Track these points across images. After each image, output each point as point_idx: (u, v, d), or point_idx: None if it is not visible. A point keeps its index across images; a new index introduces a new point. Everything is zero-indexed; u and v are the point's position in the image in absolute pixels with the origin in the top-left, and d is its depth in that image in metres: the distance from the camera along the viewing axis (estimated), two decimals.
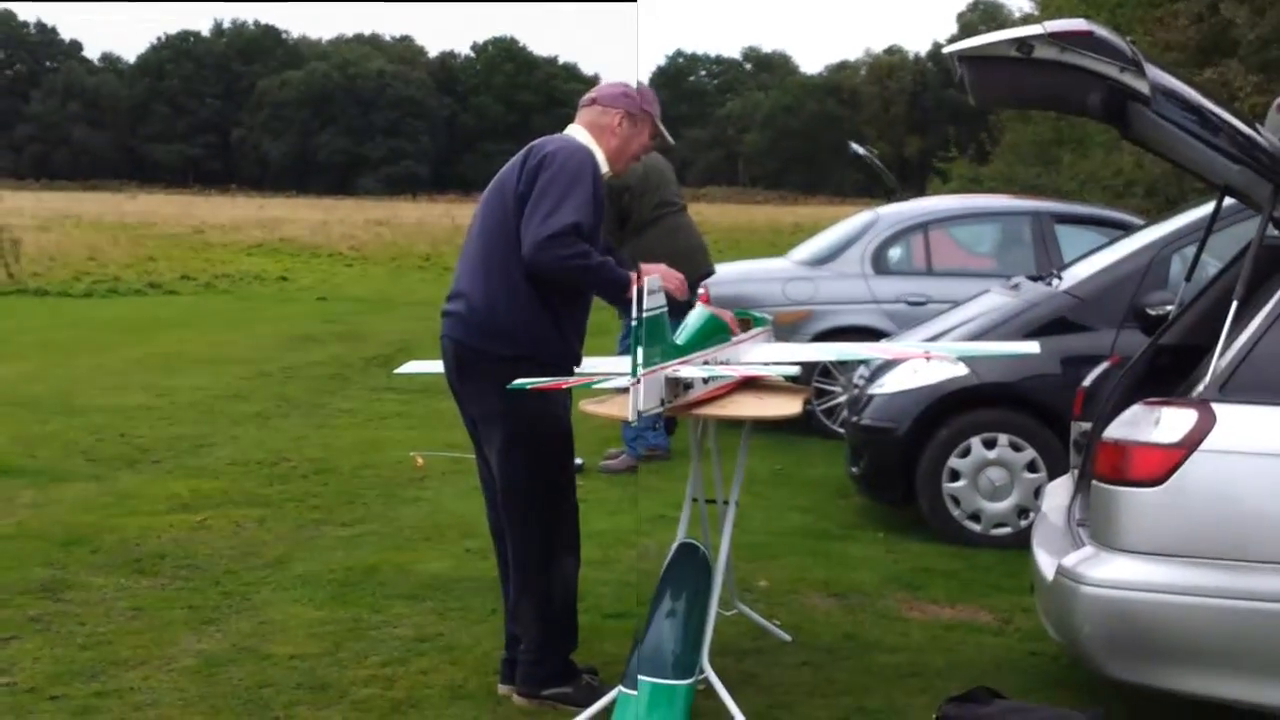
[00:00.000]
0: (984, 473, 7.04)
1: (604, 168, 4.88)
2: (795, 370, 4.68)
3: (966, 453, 7.06)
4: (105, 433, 9.70)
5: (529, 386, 4.39)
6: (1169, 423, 4.14)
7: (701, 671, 4.55)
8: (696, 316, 4.75)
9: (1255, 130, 4.42)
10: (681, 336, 4.54)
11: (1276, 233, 5.01)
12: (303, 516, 7.44)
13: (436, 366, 5.06)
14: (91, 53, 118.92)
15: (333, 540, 6.96)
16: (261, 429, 10.07)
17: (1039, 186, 23.03)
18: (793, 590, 6.21)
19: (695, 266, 8.71)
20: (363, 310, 20.68)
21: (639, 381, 4.02)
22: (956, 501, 7.08)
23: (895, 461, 7.19)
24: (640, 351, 4.04)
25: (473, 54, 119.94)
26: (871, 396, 7.38)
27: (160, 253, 29.84)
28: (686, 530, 5.02)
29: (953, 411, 7.10)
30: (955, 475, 7.07)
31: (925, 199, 11.74)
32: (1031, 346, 5.30)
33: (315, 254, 33.41)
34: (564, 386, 4.46)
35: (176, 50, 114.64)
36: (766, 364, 4.84)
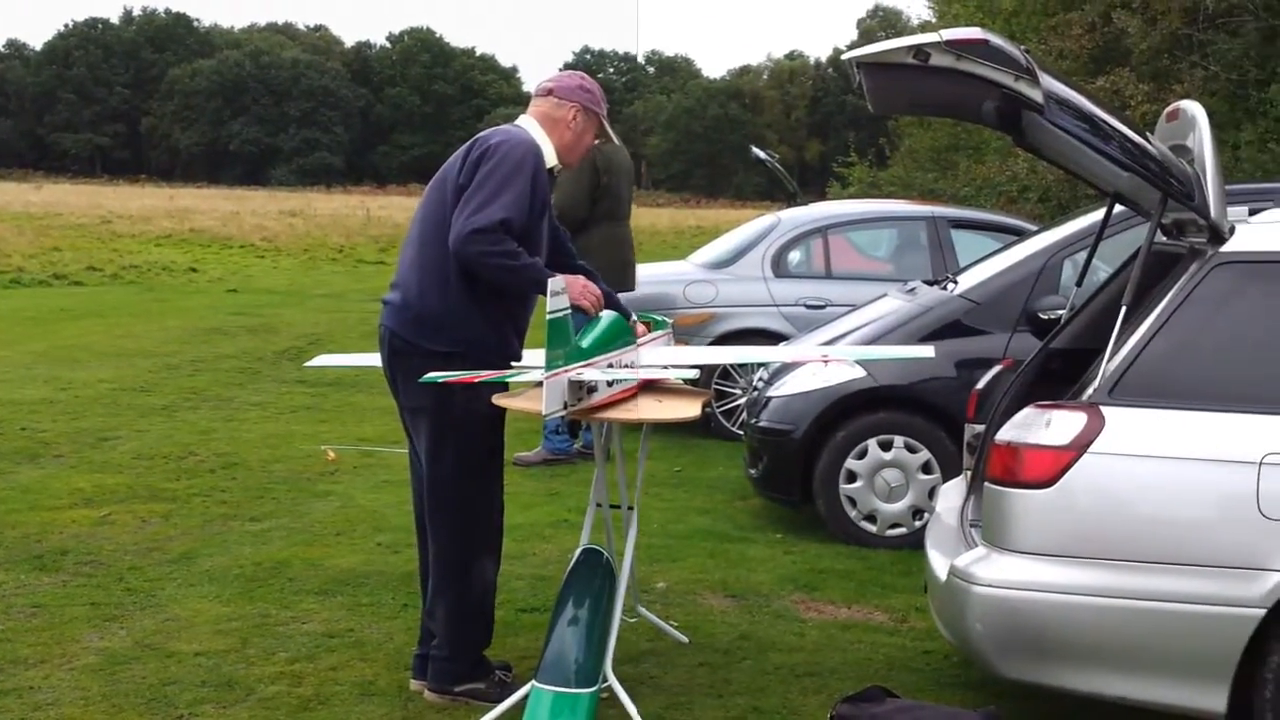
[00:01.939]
0: (880, 474, 7.12)
1: (551, 161, 4.84)
2: (694, 373, 4.70)
3: (863, 454, 7.13)
4: (5, 426, 9.49)
5: (440, 380, 4.38)
6: (1059, 425, 4.22)
7: (604, 679, 4.54)
8: (606, 320, 4.75)
9: (1145, 139, 4.51)
10: (586, 339, 4.52)
11: (1164, 239, 5.13)
12: (210, 511, 7.34)
13: (347, 360, 5.05)
14: None
15: (241, 535, 6.87)
16: (168, 422, 9.90)
17: (936, 191, 23.35)
18: (690, 591, 6.23)
19: (625, 282, 8.86)
20: (274, 302, 20.47)
21: (541, 384, 4.06)
22: (853, 502, 7.15)
23: (793, 463, 7.24)
24: (544, 354, 4.08)
25: (389, 44, 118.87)
26: (770, 399, 7.43)
27: (66, 243, 29.16)
28: (590, 536, 5.02)
29: (850, 414, 7.17)
30: (852, 477, 7.14)
31: (825, 204, 11.85)
32: (926, 350, 5.37)
33: (226, 245, 32.96)
34: (476, 381, 4.41)
35: (84, 37, 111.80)
36: (666, 367, 4.85)
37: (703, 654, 5.38)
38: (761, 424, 7.41)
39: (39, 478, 7.99)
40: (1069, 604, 4.15)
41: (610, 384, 4.50)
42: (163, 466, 8.44)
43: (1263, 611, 3.99)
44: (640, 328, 5.18)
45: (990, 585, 4.24)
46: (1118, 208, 5.44)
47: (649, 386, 4.95)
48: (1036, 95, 4.23)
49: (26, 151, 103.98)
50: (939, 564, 4.64)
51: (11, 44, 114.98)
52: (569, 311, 4.27)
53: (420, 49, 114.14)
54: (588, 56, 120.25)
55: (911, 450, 7.09)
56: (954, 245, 9.92)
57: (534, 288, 4.61)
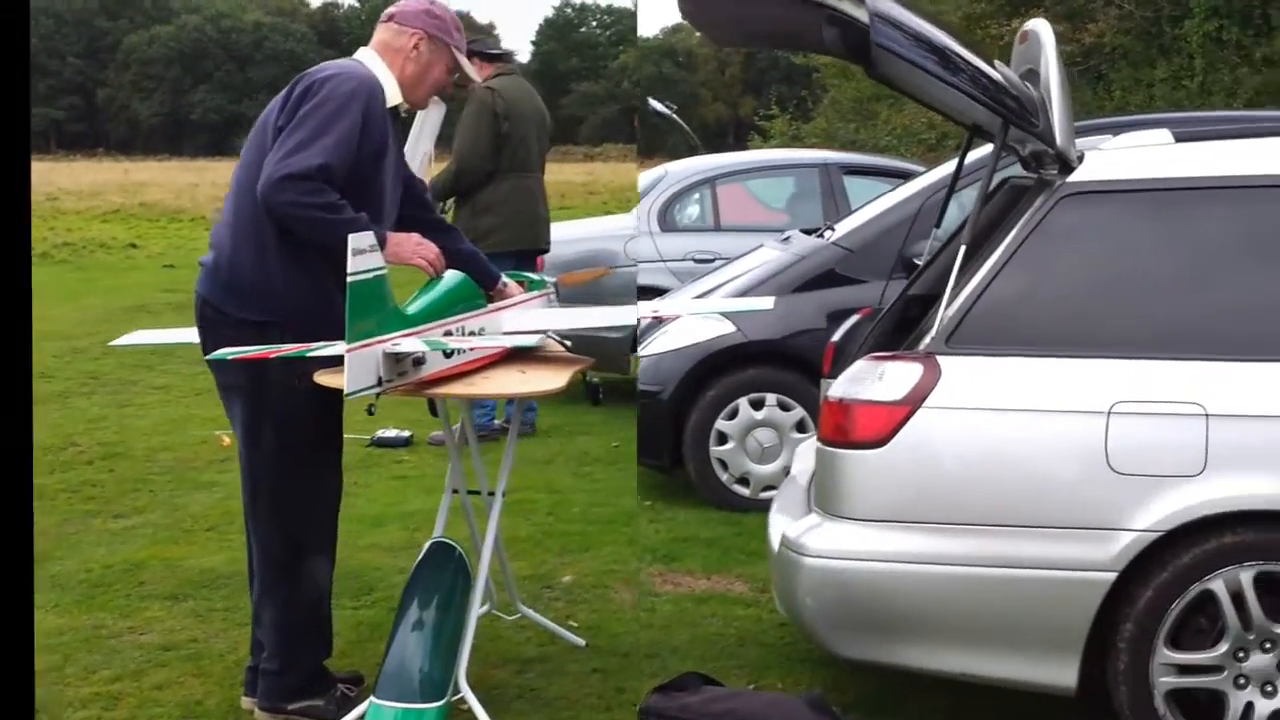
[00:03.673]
0: (752, 434, 6.74)
1: (394, 99, 4.20)
2: (534, 341, 4.18)
3: (734, 414, 6.75)
4: None
5: (230, 358, 3.87)
6: (892, 378, 3.83)
7: (457, 691, 4.03)
8: (444, 281, 4.24)
9: (987, 63, 4.10)
10: (414, 304, 4.03)
11: (1024, 173, 4.75)
12: (73, 509, 6.81)
13: (163, 336, 4.48)
14: None
15: (100, 535, 6.34)
16: (58, 411, 9.29)
17: (857, 142, 22.97)
18: (600, 585, 5.65)
19: (538, 239, 8.30)
20: None
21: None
22: (724, 465, 6.76)
23: (662, 426, 6.84)
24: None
25: (357, 3, 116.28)
26: (639, 359, 7.02)
27: None
28: (445, 528, 4.46)
29: (719, 372, 6.77)
30: (723, 438, 6.75)
31: (714, 155, 11.42)
32: (765, 302, 4.98)
33: (176, 218, 31.32)
34: (270, 357, 3.86)
35: (35, 7, 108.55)
36: (507, 335, 4.32)
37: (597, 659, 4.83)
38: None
39: None
40: (905, 574, 3.78)
41: (449, 354, 3.97)
42: (37, 460, 7.83)
43: (1114, 575, 3.65)
44: (513, 287, 4.67)
45: (821, 556, 3.86)
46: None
47: (523, 353, 4.36)
48: (861, 15, 3.80)
49: None
50: (775, 533, 4.23)
51: None
52: (380, 273, 3.70)
53: (389, 5, 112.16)
54: (568, 10, 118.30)
55: (785, 408, 6.70)
56: (847, 192, 9.51)
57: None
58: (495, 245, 7.79)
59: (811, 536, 3.90)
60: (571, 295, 9.24)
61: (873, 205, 7.16)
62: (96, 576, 5.71)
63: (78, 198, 37.68)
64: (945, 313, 3.86)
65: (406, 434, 8.20)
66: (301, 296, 4.04)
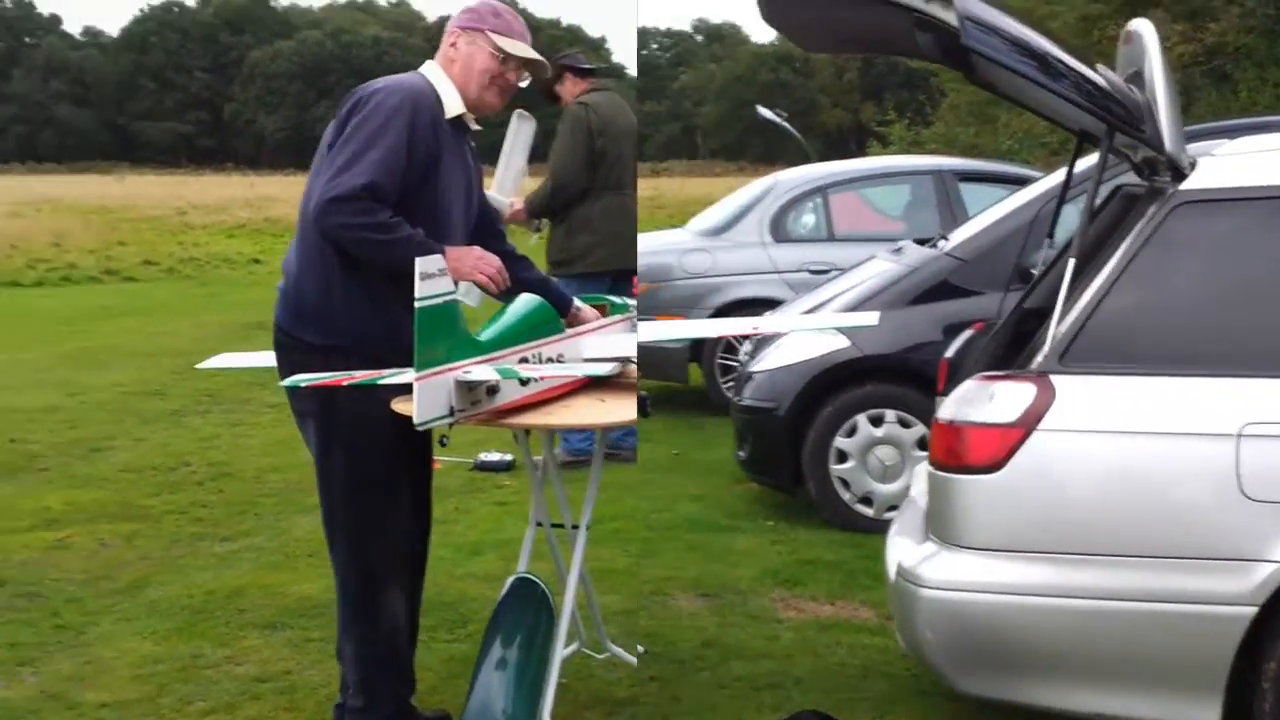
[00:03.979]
0: (872, 452, 6.59)
1: (454, 109, 4.06)
2: (608, 370, 4.02)
3: (853, 431, 6.61)
4: None
5: (303, 384, 3.78)
6: (1005, 399, 3.68)
7: None
8: (518, 305, 4.12)
9: (1088, 65, 3.93)
10: (489, 330, 3.92)
11: (1135, 180, 4.57)
12: (180, 531, 6.84)
13: (248, 360, 4.42)
14: (71, 27, 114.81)
15: (205, 559, 6.36)
16: (171, 429, 9.44)
17: (978, 147, 22.59)
18: (659, 591, 5.72)
19: (628, 259, 8.04)
20: None
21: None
22: (845, 484, 6.63)
23: (779, 443, 6.73)
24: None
25: None
26: (751, 374, 6.92)
27: (133, 237, 28.29)
28: (529, 562, 4.39)
29: (836, 387, 6.64)
30: (842, 456, 6.62)
31: (825, 163, 11.26)
32: (869, 318, 4.84)
33: None
34: (342, 384, 3.76)
35: (161, 22, 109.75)
36: (587, 361, 4.20)
37: (657, 666, 4.87)
38: (745, 402, 6.90)
39: (8, 495, 7.56)
40: (1027, 606, 3.62)
41: (525, 382, 3.84)
42: (148, 480, 7.97)
43: (1254, 609, 3.43)
44: (590, 312, 4.57)
45: (939, 587, 3.71)
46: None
47: (603, 380, 4.23)
48: (949, 17, 3.66)
49: (109, 142, 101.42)
50: (892, 561, 4.10)
51: (88, 31, 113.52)
52: (450, 297, 3.58)
53: None
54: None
55: (905, 425, 6.55)
56: (963, 200, 9.32)
57: (407, 264, 3.72)
58: (592, 265, 7.77)
59: (928, 566, 3.76)
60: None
61: (987, 213, 6.98)
62: (199, 603, 5.71)
63: (205, 212, 38.41)
64: (1057, 330, 3.71)
65: (509, 458, 8.13)
66: (365, 320, 3.95)
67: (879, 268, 7.10)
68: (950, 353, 5.02)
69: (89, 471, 8.18)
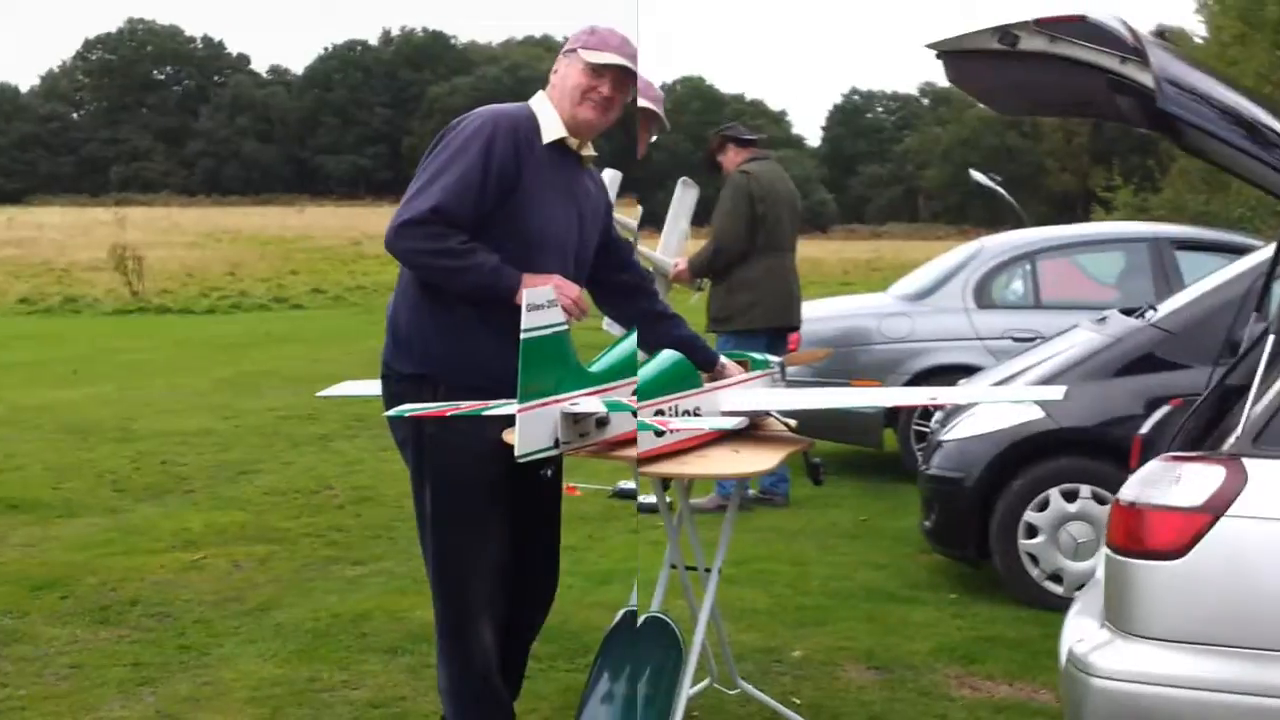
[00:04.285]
0: (1065, 528, 6.30)
1: (553, 133, 4.01)
2: (732, 424, 4.00)
3: (1045, 505, 6.33)
4: (147, 460, 9.36)
5: (407, 414, 3.78)
6: (1191, 482, 3.44)
7: None
8: (659, 360, 4.18)
9: None
10: (600, 362, 3.89)
11: None
12: (314, 554, 6.94)
13: (372, 388, 4.47)
14: (259, 66, 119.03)
15: (335, 582, 6.44)
16: (319, 453, 9.64)
17: (1208, 214, 21.78)
18: (829, 661, 5.55)
19: (791, 316, 8.56)
20: None
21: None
22: (1034, 560, 6.35)
23: (966, 515, 6.49)
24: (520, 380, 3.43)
25: (661, 93, 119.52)
26: (941, 443, 6.69)
27: (306, 266, 29.32)
28: (663, 602, 4.48)
29: (1028, 459, 6.38)
30: (1032, 531, 6.35)
31: (1034, 229, 10.91)
32: (1055, 391, 4.60)
33: None
34: (446, 415, 3.73)
35: (344, 60, 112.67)
36: (724, 415, 4.16)
37: None
38: (932, 471, 6.68)
39: (152, 516, 7.77)
40: (1207, 703, 3.37)
41: (660, 434, 3.81)
42: (290, 503, 8.14)
43: None
44: (733, 368, 4.59)
45: (1111, 677, 3.48)
46: None
47: (740, 432, 4.33)
48: (1146, 79, 3.47)
49: (291, 176, 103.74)
50: (1066, 644, 3.87)
51: (274, 70, 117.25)
52: (559, 329, 3.53)
53: (692, 96, 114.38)
54: (856, 97, 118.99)
55: (1101, 501, 6.23)
56: (1179, 269, 8.92)
57: (479, 292, 3.86)
58: (749, 322, 8.29)
59: (1100, 654, 3.54)
60: (825, 369, 9.13)
61: (1199, 284, 6.64)
62: (323, 626, 5.75)
63: (378, 242, 39.12)
64: (1252, 410, 3.46)
65: (630, 486, 8.18)
66: (452, 349, 3.94)
67: (1081, 337, 6.82)
68: (1145, 429, 4.77)
69: (233, 494, 8.38)
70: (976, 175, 13.82)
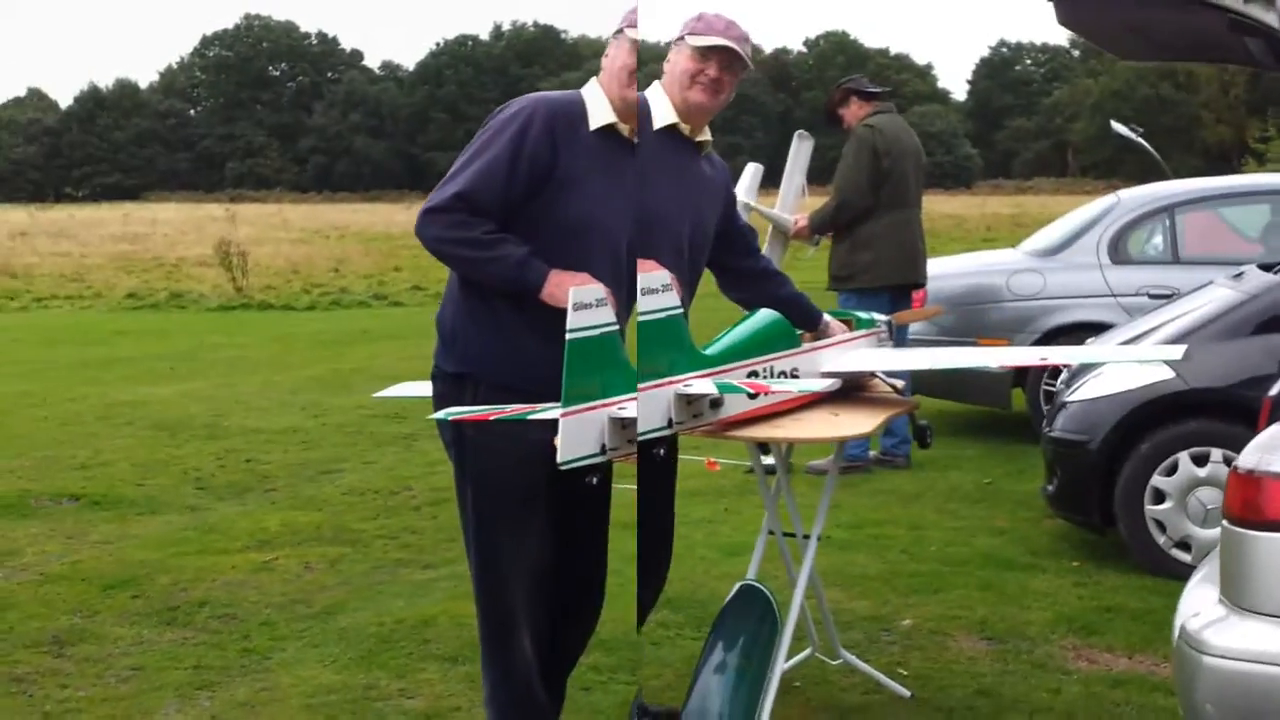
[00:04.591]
0: (1194, 494, 6.01)
1: (602, 118, 3.79)
2: (823, 385, 3.83)
3: (1173, 470, 6.05)
4: (232, 458, 9.28)
5: (450, 418, 3.67)
6: None
7: None
8: (751, 321, 4.04)
9: None
10: (718, 345, 3.82)
11: None
12: (386, 556, 6.79)
13: (420, 389, 4.35)
14: (371, 62, 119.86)
15: (403, 585, 6.27)
16: (402, 453, 9.46)
17: None
18: (940, 631, 5.36)
19: (915, 273, 8.35)
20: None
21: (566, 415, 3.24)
22: (1162, 527, 6.07)
23: (1090, 479, 6.22)
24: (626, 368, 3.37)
25: (805, 49, 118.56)
26: (1065, 404, 6.42)
27: (410, 263, 28.89)
28: (758, 571, 4.35)
29: (1156, 422, 6.09)
30: (1160, 496, 6.06)
31: (1174, 181, 10.45)
32: (1174, 351, 4.34)
33: None
34: (490, 419, 3.59)
35: (454, 55, 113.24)
36: (816, 378, 4.03)
37: (924, 713, 4.54)
38: (1054, 433, 6.41)
39: (230, 515, 7.67)
40: None
41: (753, 396, 3.70)
42: (368, 503, 7.97)
43: None
44: (837, 326, 4.44)
45: (1225, 656, 3.25)
46: None
47: (843, 393, 4.20)
48: (1270, 18, 3.20)
49: (402, 172, 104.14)
50: (1180, 617, 3.64)
51: (386, 65, 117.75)
52: (609, 329, 3.34)
53: (836, 51, 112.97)
54: (1004, 50, 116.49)
55: (1231, 465, 5.91)
56: None
57: (509, 284, 3.68)
58: (872, 280, 8.14)
59: (1214, 631, 3.30)
60: (952, 328, 8.87)
61: None
62: (387, 631, 5.59)
63: None
64: None
65: (768, 461, 7.86)
66: (491, 347, 3.79)
67: (1216, 294, 6.48)
68: (1275, 390, 4.48)
69: (313, 493, 8.23)
70: (1117, 126, 13.29)
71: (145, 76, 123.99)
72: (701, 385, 3.53)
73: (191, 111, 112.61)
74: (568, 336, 3.22)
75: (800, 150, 7.76)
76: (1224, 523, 3.38)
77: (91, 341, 17.20)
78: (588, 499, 3.76)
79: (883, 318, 4.72)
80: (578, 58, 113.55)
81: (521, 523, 3.85)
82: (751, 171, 7.91)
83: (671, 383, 3.46)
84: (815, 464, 8.06)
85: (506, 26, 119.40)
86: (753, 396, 3.72)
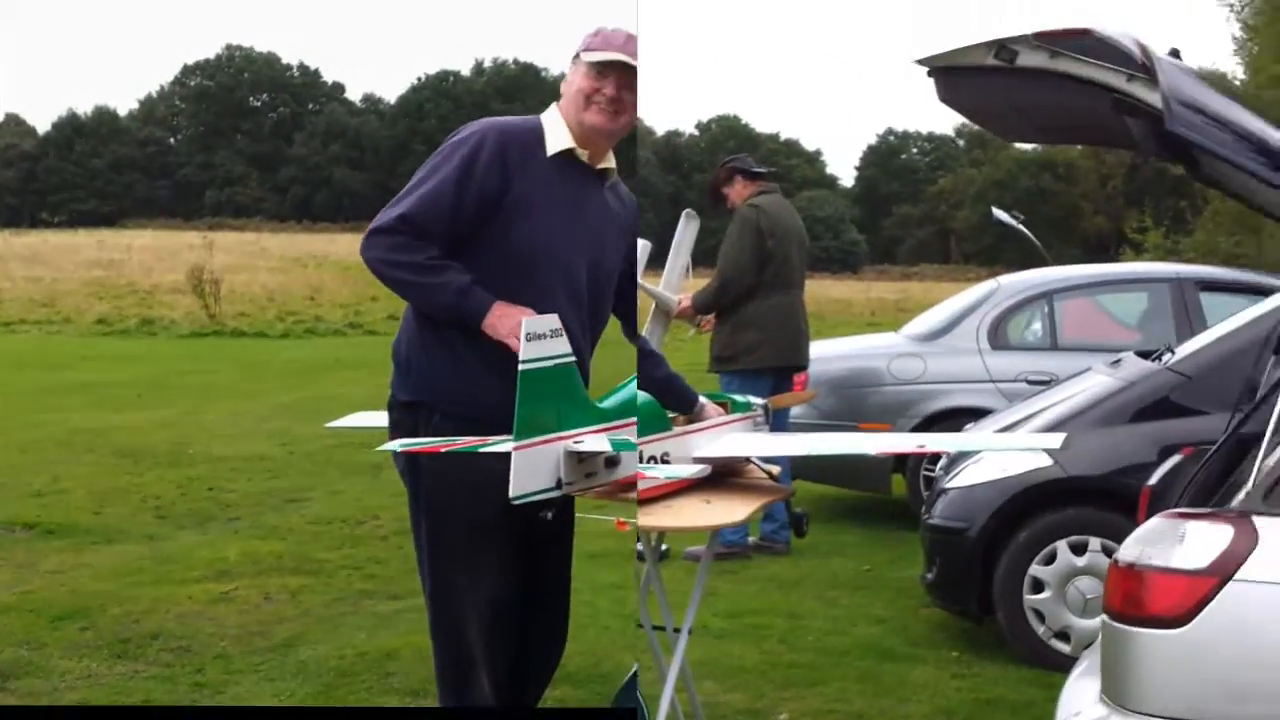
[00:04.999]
0: (1073, 583, 5.91)
1: (559, 144, 3.72)
2: (692, 472, 3.66)
3: (1052, 559, 5.95)
4: (194, 486, 9.10)
5: (400, 450, 3.56)
6: (1196, 541, 3.09)
7: None
8: (626, 393, 3.85)
9: None
10: (613, 398, 3.63)
11: None
12: (349, 587, 6.64)
13: (374, 419, 4.18)
14: (353, 94, 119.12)
15: (366, 617, 6.12)
16: (370, 482, 9.31)
17: (1240, 256, 21.39)
18: None
19: (798, 355, 8.21)
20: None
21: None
22: (1041, 617, 5.97)
23: (969, 568, 6.10)
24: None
25: (697, 132, 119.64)
26: (943, 490, 6.32)
27: (386, 293, 28.85)
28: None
29: (1035, 510, 6.00)
30: (1039, 586, 5.96)
31: (1051, 268, 10.54)
32: (1053, 439, 4.25)
33: None
34: (441, 451, 3.49)
35: (436, 90, 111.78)
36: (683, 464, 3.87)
37: None
38: (933, 520, 6.30)
39: (190, 545, 7.50)
40: None
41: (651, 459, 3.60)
42: (333, 533, 7.85)
43: None
44: (712, 409, 4.27)
45: None
46: None
47: (717, 479, 4.04)
48: (1154, 99, 3.13)
49: (381, 203, 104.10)
50: (1061, 715, 3.52)
51: (368, 98, 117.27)
52: (564, 361, 3.27)
53: (727, 135, 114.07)
54: (891, 137, 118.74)
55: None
56: (1203, 311, 8.53)
57: (450, 313, 3.58)
58: (755, 361, 7.98)
59: None
60: (833, 411, 8.82)
61: (1220, 325, 6.27)
62: (346, 665, 5.46)
63: None
64: (1264, 463, 3.11)
65: (664, 546, 7.67)
66: (443, 375, 3.69)
67: (1093, 380, 6.45)
68: (1154, 480, 4.40)
69: (277, 522, 8.11)
70: (999, 213, 13.49)
71: (125, 104, 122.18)
72: (595, 442, 3.33)
73: (171, 140, 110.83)
74: (520, 367, 3.13)
75: (687, 229, 7.61)
76: (1104, 618, 3.25)
77: (57, 366, 17.06)
78: (550, 529, 3.61)
79: (759, 401, 4.58)
80: (559, 95, 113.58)
81: (478, 556, 3.69)
82: (641, 248, 7.79)
83: (560, 439, 3.28)
84: (692, 550, 7.88)
85: (488, 63, 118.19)
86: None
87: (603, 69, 3.72)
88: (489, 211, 3.61)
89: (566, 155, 3.73)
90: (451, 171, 3.59)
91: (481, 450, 3.39)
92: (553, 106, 3.82)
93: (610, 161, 3.88)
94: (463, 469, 3.54)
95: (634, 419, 3.58)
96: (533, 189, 3.65)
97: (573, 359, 3.32)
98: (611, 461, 3.40)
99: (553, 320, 3.24)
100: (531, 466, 3.17)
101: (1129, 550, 3.23)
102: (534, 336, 3.18)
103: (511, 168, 3.63)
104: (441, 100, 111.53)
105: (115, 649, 5.68)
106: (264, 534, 7.77)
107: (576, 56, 3.78)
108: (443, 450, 3.48)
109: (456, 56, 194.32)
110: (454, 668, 3.75)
